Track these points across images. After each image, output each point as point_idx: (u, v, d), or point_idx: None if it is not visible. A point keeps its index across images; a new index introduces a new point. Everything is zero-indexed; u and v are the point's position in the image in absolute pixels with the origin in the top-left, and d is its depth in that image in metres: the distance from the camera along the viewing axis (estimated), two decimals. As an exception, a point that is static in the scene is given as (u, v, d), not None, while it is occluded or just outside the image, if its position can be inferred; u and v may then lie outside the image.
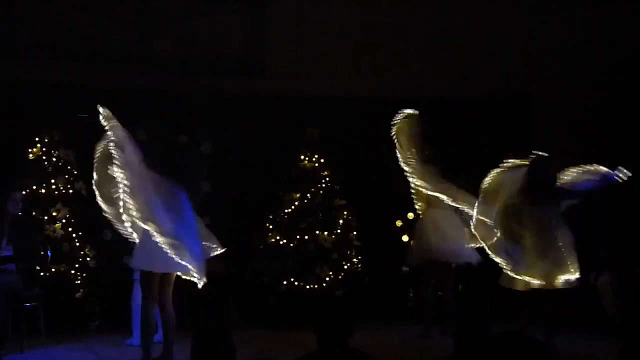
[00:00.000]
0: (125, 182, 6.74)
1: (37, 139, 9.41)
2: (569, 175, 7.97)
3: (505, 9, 10.53)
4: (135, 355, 8.10)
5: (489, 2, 10.62)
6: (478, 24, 10.54)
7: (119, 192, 6.86)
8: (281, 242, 10.03)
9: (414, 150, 8.85)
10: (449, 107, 10.74)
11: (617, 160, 10.17)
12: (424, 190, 8.87)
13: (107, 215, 7.28)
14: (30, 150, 9.40)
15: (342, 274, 10.04)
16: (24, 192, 8.74)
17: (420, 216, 9.23)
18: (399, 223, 10.47)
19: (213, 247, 7.49)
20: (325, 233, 10.07)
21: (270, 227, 10.12)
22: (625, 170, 7.60)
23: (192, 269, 6.93)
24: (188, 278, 7.14)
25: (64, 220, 9.25)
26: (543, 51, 10.62)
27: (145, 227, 6.77)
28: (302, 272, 9.93)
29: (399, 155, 8.84)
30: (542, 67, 10.64)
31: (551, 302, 7.68)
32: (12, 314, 7.83)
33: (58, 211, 9.26)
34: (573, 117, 10.56)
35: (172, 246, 6.75)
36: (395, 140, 8.85)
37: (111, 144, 6.85)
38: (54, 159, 9.41)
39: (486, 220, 7.74)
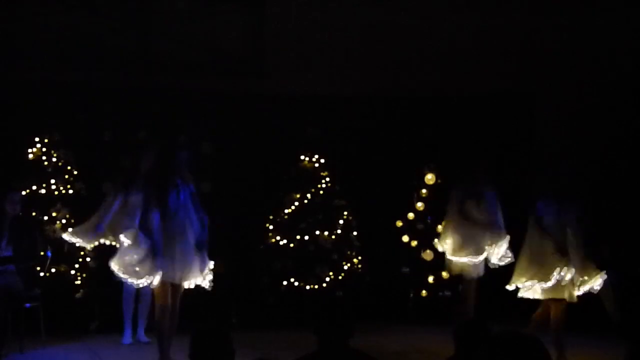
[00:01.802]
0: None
1: (37, 139, 9.40)
2: None
3: (506, 9, 10.52)
4: (134, 355, 8.13)
5: (489, 2, 10.62)
6: (479, 23, 10.53)
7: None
8: (281, 242, 10.02)
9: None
10: (449, 106, 10.75)
11: (617, 159, 10.23)
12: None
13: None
14: (30, 150, 9.40)
15: (342, 274, 10.04)
16: (23, 193, 8.73)
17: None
18: (399, 223, 10.47)
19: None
20: (325, 233, 10.07)
21: (270, 227, 10.11)
22: None
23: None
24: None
25: (64, 221, 9.24)
26: (543, 51, 10.62)
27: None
28: (302, 272, 9.93)
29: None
30: (542, 67, 10.63)
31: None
32: (12, 314, 7.82)
33: (58, 211, 9.26)
34: (573, 117, 10.56)
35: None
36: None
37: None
38: (54, 160, 9.41)
39: None
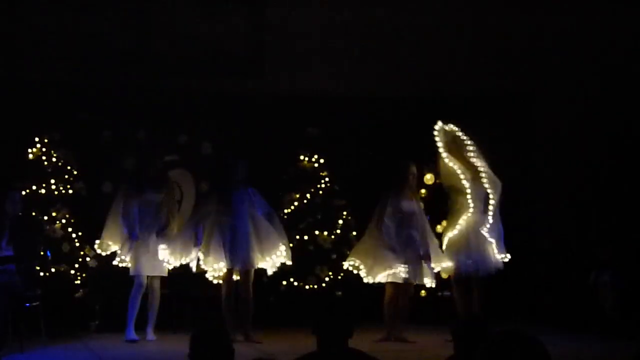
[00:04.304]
0: None
1: (37, 139, 9.40)
2: None
3: (506, 8, 10.53)
4: (134, 354, 8.12)
5: (489, 1, 10.62)
6: (478, 23, 10.53)
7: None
8: (281, 242, 10.02)
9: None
10: (448, 107, 10.73)
11: (617, 160, 10.23)
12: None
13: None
14: (30, 150, 9.40)
15: (342, 274, 10.03)
16: (24, 193, 8.73)
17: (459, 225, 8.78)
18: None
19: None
20: (325, 233, 10.07)
21: (270, 227, 10.11)
22: None
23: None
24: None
25: (64, 221, 9.25)
26: (543, 51, 10.62)
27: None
28: (302, 272, 9.92)
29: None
30: (542, 67, 10.63)
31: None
32: (12, 314, 7.82)
33: (58, 211, 9.26)
34: (573, 117, 10.56)
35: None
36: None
37: None
38: (54, 159, 9.41)
39: None
